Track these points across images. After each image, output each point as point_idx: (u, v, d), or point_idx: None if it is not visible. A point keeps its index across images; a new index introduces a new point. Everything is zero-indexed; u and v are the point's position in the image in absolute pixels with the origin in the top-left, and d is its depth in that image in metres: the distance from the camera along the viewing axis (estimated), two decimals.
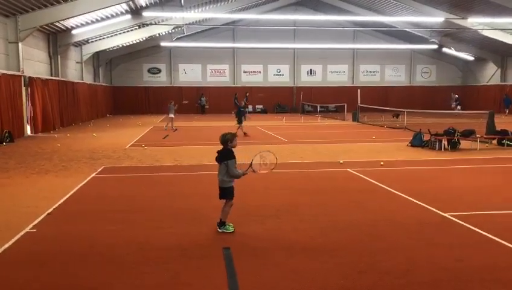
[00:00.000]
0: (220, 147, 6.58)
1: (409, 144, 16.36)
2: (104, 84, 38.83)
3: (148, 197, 8.67)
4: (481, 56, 41.62)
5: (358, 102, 30.46)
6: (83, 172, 11.32)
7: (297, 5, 41.47)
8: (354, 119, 30.15)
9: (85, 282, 4.81)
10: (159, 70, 43.16)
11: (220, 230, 6.39)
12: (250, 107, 39.91)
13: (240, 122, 20.49)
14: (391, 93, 44.42)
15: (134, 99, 42.15)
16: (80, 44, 31.34)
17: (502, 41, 34.32)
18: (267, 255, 5.54)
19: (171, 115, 23.96)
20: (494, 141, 16.69)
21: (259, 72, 44.40)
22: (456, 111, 32.33)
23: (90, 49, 32.82)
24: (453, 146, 15.15)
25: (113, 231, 6.52)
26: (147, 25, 31.91)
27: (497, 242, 5.95)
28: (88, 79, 34.22)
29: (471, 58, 43.63)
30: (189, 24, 34.98)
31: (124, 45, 36.30)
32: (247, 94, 39.80)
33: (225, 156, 6.39)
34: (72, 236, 6.34)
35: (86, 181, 10.16)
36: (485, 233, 6.28)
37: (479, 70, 44.43)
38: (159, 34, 36.91)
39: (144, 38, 36.46)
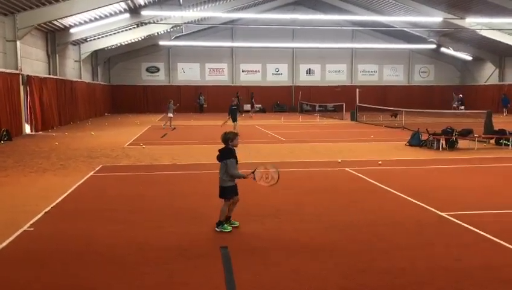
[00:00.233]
0: (222, 145, 6.56)
1: (407, 144, 16.38)
2: (102, 83, 38.78)
3: (146, 196, 8.66)
4: (479, 56, 41.68)
5: (357, 101, 30.47)
6: (81, 171, 11.31)
7: (295, 4, 41.44)
8: (352, 118, 30.17)
9: (83, 281, 4.80)
10: (158, 69, 43.12)
11: (217, 229, 6.38)
12: (254, 106, 39.85)
13: (234, 120, 20.32)
14: (389, 92, 44.45)
15: (133, 98, 42.07)
16: (78, 43, 31.28)
17: (500, 41, 34.39)
18: (266, 255, 5.54)
19: (170, 114, 23.90)
20: (492, 141, 16.73)
21: (258, 71, 44.38)
22: (459, 111, 32.29)
23: (88, 48, 32.76)
24: (451, 146, 15.18)
25: (111, 230, 6.51)
26: (146, 23, 31.86)
27: (495, 241, 5.96)
28: (86, 78, 34.17)
29: (469, 58, 43.69)
30: (188, 23, 34.94)
31: (123, 43, 36.26)
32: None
33: (225, 155, 6.38)
34: (69, 235, 6.33)
35: (84, 180, 10.15)
36: (482, 233, 6.29)
37: (477, 70, 44.51)
38: (157, 32, 36.84)
39: (143, 37, 36.42)
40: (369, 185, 9.66)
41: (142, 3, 27.39)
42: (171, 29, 37.18)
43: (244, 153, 13.45)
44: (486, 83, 42.65)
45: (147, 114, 38.87)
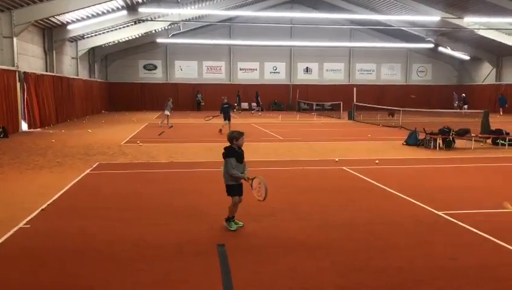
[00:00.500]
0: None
1: (404, 143, 16.40)
2: (99, 80, 38.67)
3: (143, 194, 8.65)
4: (477, 55, 41.78)
5: (354, 100, 30.49)
6: (77, 168, 11.28)
7: (293, 2, 41.43)
8: (350, 117, 30.19)
9: (80, 279, 4.79)
10: (155, 67, 43.03)
11: (224, 224, 6.41)
12: (260, 105, 39.55)
13: (226, 119, 20.19)
14: (387, 91, 44.50)
15: (130, 96, 41.98)
16: (75, 39, 31.17)
17: (497, 41, 34.46)
18: (263, 253, 5.54)
19: (167, 112, 23.80)
20: (489, 141, 16.76)
21: (256, 69, 44.35)
22: (463, 110, 32.27)
23: (85, 45, 32.65)
24: (448, 145, 15.21)
25: (108, 228, 6.49)
26: (143, 21, 31.77)
27: (491, 241, 5.97)
28: (83, 75, 34.07)
29: (467, 57, 43.79)
30: (186, 21, 34.86)
31: (120, 40, 36.13)
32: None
33: (226, 153, 6.38)
34: (66, 232, 6.31)
35: (80, 177, 10.12)
36: (479, 232, 6.30)
37: (474, 70, 44.61)
38: (155, 30, 36.78)
39: (140, 35, 36.33)
40: (366, 184, 9.67)
41: (140, 1, 27.30)
42: (169, 27, 37.10)
43: None
44: (483, 83, 42.75)
45: (144, 112, 38.80)
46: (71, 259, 5.34)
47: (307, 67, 45.01)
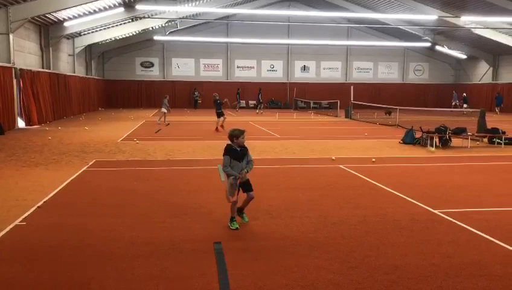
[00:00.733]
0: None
1: (401, 141, 16.43)
2: (96, 77, 38.57)
3: (139, 191, 8.64)
4: (473, 55, 41.88)
5: (351, 99, 30.53)
6: (73, 165, 11.26)
7: (291, 0, 41.42)
8: (347, 116, 30.23)
9: (76, 276, 4.79)
10: (152, 64, 42.94)
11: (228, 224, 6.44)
12: (262, 103, 39.15)
13: (219, 116, 20.19)
14: (384, 90, 44.58)
15: (127, 93, 41.92)
16: (72, 36, 31.07)
17: (494, 40, 34.56)
18: (258, 250, 5.56)
19: (164, 110, 23.76)
20: (485, 139, 16.82)
21: (253, 67, 44.33)
22: (464, 109, 32.34)
23: (82, 42, 32.56)
24: (445, 144, 15.25)
25: (104, 225, 6.49)
26: (140, 18, 31.70)
27: (486, 239, 6.01)
28: (80, 72, 33.97)
29: (464, 56, 43.89)
30: (183, 18, 34.81)
31: (117, 38, 36.06)
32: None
33: (224, 151, 6.41)
34: (62, 229, 6.30)
35: (76, 175, 10.10)
36: (474, 230, 6.34)
37: (471, 69, 44.73)
38: (152, 27, 36.68)
39: (137, 32, 36.23)
40: (362, 182, 9.69)
41: None
42: (166, 24, 37.00)
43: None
44: (480, 82, 42.87)
45: (140, 109, 38.74)
46: (67, 256, 5.34)
47: (304, 66, 45.01)
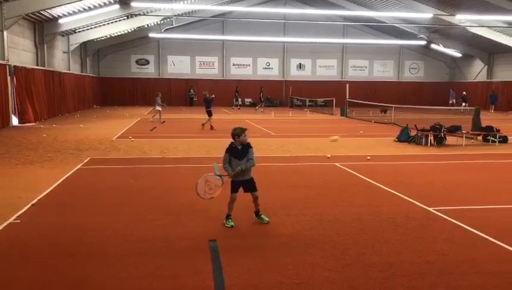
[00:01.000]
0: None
1: (396, 139, 16.47)
2: (91, 74, 38.41)
3: (134, 189, 8.62)
4: (468, 53, 42.04)
5: (347, 97, 30.57)
6: (68, 163, 11.21)
7: None
8: (342, 114, 30.28)
9: (70, 274, 4.78)
10: (147, 62, 42.81)
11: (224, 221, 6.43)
12: (263, 102, 38.95)
13: (209, 114, 20.19)
14: (379, 88, 44.66)
15: (122, 91, 41.77)
16: (67, 34, 30.90)
17: (489, 39, 34.70)
18: (254, 248, 5.56)
19: (158, 108, 23.72)
20: (480, 137, 16.89)
21: (249, 65, 44.29)
22: (461, 108, 32.40)
23: (77, 39, 32.40)
24: (439, 142, 15.30)
25: (99, 223, 6.47)
26: (135, 15, 31.57)
27: (480, 236, 6.04)
28: (75, 69, 33.82)
29: (459, 54, 44.05)
30: (178, 15, 34.70)
31: (112, 35, 35.91)
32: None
33: (226, 149, 6.45)
34: (56, 227, 6.28)
35: (71, 172, 10.06)
36: (468, 228, 6.37)
37: (466, 67, 44.89)
38: (147, 25, 36.55)
39: (132, 29, 36.12)
40: (357, 180, 9.71)
41: None
42: (161, 22, 36.91)
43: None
44: (475, 80, 43.04)
45: (136, 107, 38.63)
46: (62, 254, 5.32)
47: (300, 64, 45.02)
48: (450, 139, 15.82)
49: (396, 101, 30.75)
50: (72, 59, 32.60)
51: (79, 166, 10.85)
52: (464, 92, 39.36)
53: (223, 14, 39.90)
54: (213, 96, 20.80)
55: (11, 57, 21.00)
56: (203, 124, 19.99)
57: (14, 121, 21.44)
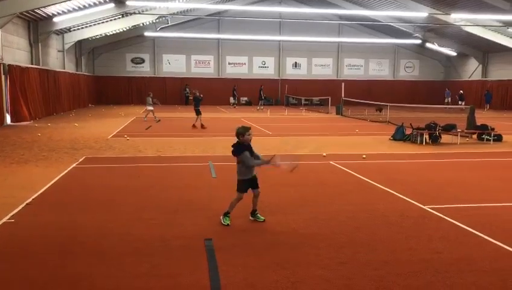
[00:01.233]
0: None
1: (391, 138, 16.52)
2: (86, 73, 38.25)
3: (129, 187, 8.60)
4: (463, 52, 42.21)
5: (342, 95, 30.62)
6: (63, 162, 11.17)
7: None
8: (338, 112, 30.32)
9: (65, 273, 4.76)
10: (143, 61, 42.70)
11: (220, 218, 6.40)
12: (263, 100, 38.84)
13: (198, 113, 20.20)
14: (375, 87, 44.75)
15: (117, 90, 41.65)
16: (61, 32, 30.77)
17: (483, 38, 34.85)
18: (249, 247, 5.56)
19: (149, 107, 23.71)
20: (474, 136, 16.97)
21: (244, 64, 44.26)
22: (462, 106, 32.49)
23: (72, 38, 32.25)
24: (434, 140, 15.36)
25: (94, 222, 6.45)
26: (131, 14, 31.48)
27: (475, 234, 6.06)
28: (70, 68, 33.68)
29: (454, 53, 44.21)
30: (174, 14, 34.62)
31: (107, 34, 35.76)
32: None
33: (237, 150, 6.35)
34: (51, 227, 6.25)
35: (66, 171, 10.03)
36: (463, 226, 6.39)
37: (461, 66, 45.06)
38: (142, 23, 36.47)
39: (128, 28, 35.99)
40: (353, 178, 9.73)
41: None
42: (157, 20, 36.80)
43: (229, 145, 13.44)
44: (470, 79, 43.21)
45: (131, 106, 38.52)
46: (56, 253, 5.30)
47: (296, 62, 45.04)
48: (445, 138, 15.88)
49: (392, 100, 30.80)
50: (67, 58, 32.47)
51: (74, 165, 10.81)
52: (461, 91, 39.49)
53: (218, 13, 39.83)
54: (202, 95, 21.05)
55: (5, 56, 20.90)
56: (194, 125, 19.97)
57: (9, 119, 21.32)
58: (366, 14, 36.58)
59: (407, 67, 46.93)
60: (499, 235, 5.96)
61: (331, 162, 11.56)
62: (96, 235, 5.90)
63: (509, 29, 32.78)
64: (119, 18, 32.27)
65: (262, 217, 6.56)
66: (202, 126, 19.77)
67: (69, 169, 10.29)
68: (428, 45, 43.32)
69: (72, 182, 9.15)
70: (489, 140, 16.12)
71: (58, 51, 30.94)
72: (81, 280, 4.59)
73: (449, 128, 16.08)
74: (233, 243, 5.68)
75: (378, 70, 46.46)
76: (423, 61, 46.81)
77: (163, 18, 36.67)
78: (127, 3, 26.63)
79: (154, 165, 11.10)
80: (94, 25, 32.16)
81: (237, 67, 44.10)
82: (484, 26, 33.15)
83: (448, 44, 41.68)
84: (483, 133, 16.55)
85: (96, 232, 6.02)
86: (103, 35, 35.68)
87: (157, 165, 11.11)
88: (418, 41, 42.46)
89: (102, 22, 32.12)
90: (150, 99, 23.65)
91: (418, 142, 15.38)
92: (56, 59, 30.42)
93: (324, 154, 12.67)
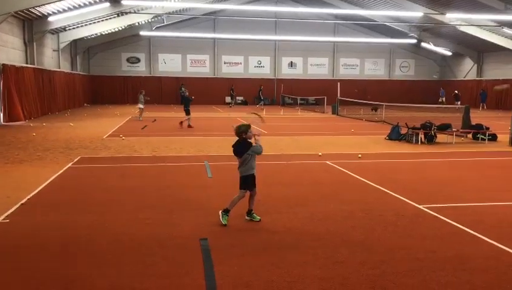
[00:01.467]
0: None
1: (387, 137, 16.56)
2: (81, 73, 38.12)
3: (125, 188, 8.58)
4: (458, 51, 42.38)
5: (338, 95, 30.67)
6: (58, 162, 11.13)
7: None
8: (334, 112, 30.37)
9: (60, 273, 4.74)
10: (138, 60, 42.60)
11: (219, 213, 6.38)
12: (262, 100, 38.90)
13: (187, 112, 20.22)
14: (370, 86, 44.84)
15: (113, 89, 41.53)
16: (56, 31, 30.63)
17: (478, 37, 35.00)
18: (245, 247, 5.56)
19: (140, 106, 23.67)
20: (469, 135, 17.04)
21: (240, 63, 44.25)
22: (455, 106, 32.56)
23: (67, 37, 32.13)
24: (430, 140, 15.40)
25: (90, 222, 6.43)
26: (126, 13, 31.39)
27: (469, 233, 6.09)
28: (65, 67, 33.54)
29: (449, 53, 44.36)
30: (169, 13, 34.58)
31: (103, 33, 35.66)
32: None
33: (245, 148, 6.40)
34: (46, 227, 6.23)
35: (61, 171, 9.99)
36: (457, 224, 6.42)
37: (456, 65, 45.23)
38: (138, 23, 36.39)
39: (123, 27, 35.89)
40: (348, 178, 9.75)
41: None
42: (152, 20, 36.73)
43: (224, 145, 13.43)
44: (465, 78, 43.38)
45: (127, 105, 38.40)
46: (51, 253, 5.28)
47: (292, 62, 45.07)
48: (441, 137, 15.94)
49: (387, 99, 30.88)
50: (62, 57, 32.34)
51: (69, 165, 10.77)
52: (456, 91, 39.63)
53: (214, 12, 39.79)
54: (193, 97, 21.38)
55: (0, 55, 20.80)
56: (189, 125, 19.95)
57: (2, 119, 21.20)
58: (362, 13, 36.65)
59: (402, 66, 47.06)
60: (493, 234, 5.99)
61: (326, 161, 11.58)
62: (92, 235, 5.88)
63: (503, 29, 32.93)
64: (114, 17, 32.18)
65: (258, 217, 6.56)
66: (186, 126, 19.79)
67: (64, 169, 10.26)
68: (423, 44, 43.46)
69: (67, 182, 9.11)
70: (484, 139, 16.19)
71: (53, 50, 30.81)
72: (76, 280, 4.58)
73: (444, 128, 16.14)
74: (229, 243, 5.68)
75: (374, 69, 46.56)
76: (418, 60, 46.95)
77: (159, 17, 36.61)
78: (123, 2, 26.58)
79: (150, 165, 11.07)
80: (89, 24, 32.04)
81: (233, 66, 44.07)
82: (479, 26, 33.29)
83: (443, 44, 41.82)
84: (478, 132, 16.62)
85: (91, 233, 6.00)
86: (98, 34, 35.56)
87: (153, 165, 11.09)
88: (414, 41, 42.60)
89: (98, 21, 32.00)
90: (142, 97, 23.64)
91: (414, 141, 15.42)
92: (51, 58, 30.29)
93: (320, 153, 12.69)
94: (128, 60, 42.40)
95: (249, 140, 6.50)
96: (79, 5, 26.28)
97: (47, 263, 5.02)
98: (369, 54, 45.78)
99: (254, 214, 6.57)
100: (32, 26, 25.77)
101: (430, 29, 39.04)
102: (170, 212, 6.97)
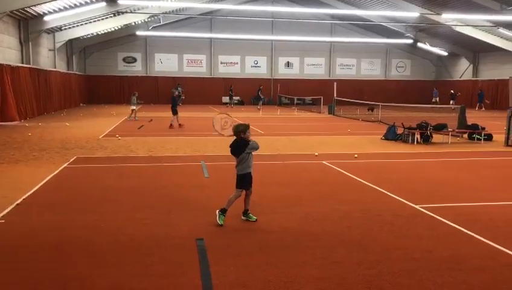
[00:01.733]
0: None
1: (383, 138, 16.59)
2: (77, 72, 38.00)
3: (121, 188, 8.56)
4: (454, 52, 42.51)
5: (335, 95, 30.70)
6: (54, 162, 11.09)
7: None
8: (330, 112, 30.40)
9: (57, 274, 4.73)
10: (135, 60, 42.51)
11: (216, 213, 6.37)
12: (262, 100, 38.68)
13: (174, 112, 20.19)
14: (366, 86, 44.91)
15: (109, 89, 41.42)
16: (52, 31, 30.53)
17: (474, 38, 35.12)
18: (241, 247, 5.56)
19: (133, 107, 23.66)
20: (465, 135, 17.09)
21: (237, 63, 44.23)
22: (451, 105, 32.62)
23: (63, 37, 32.03)
24: (426, 140, 15.44)
25: (86, 222, 6.41)
26: (122, 13, 31.31)
27: (465, 233, 6.11)
28: (61, 67, 33.43)
29: (445, 53, 44.49)
30: (166, 13, 34.51)
31: (99, 33, 35.54)
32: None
33: (243, 146, 6.43)
34: (42, 227, 6.21)
35: (57, 171, 9.96)
36: (453, 224, 6.44)
37: (452, 66, 45.37)
38: (134, 22, 36.30)
39: (119, 27, 35.81)
40: (345, 178, 9.77)
41: None
42: (149, 19, 36.66)
43: (221, 145, 13.42)
44: (460, 79, 43.52)
45: (123, 105, 38.27)
46: (48, 254, 5.26)
47: (288, 62, 45.09)
48: (436, 137, 15.98)
49: (383, 100, 30.93)
50: (58, 57, 32.22)
51: (65, 165, 10.74)
52: (452, 90, 39.73)
53: (210, 12, 39.74)
54: (184, 97, 21.48)
55: None
56: (179, 124, 19.96)
57: None
58: (358, 13, 36.71)
59: (398, 66, 47.17)
60: (490, 234, 6.02)
61: (323, 161, 11.59)
62: (88, 236, 5.87)
63: (499, 30, 33.05)
64: (110, 17, 32.10)
65: (254, 217, 6.56)
66: (177, 126, 19.78)
67: (60, 169, 10.22)
68: (419, 44, 43.56)
69: (63, 182, 9.08)
70: (480, 139, 16.25)
71: (49, 50, 30.69)
72: (73, 280, 4.56)
73: (440, 128, 16.19)
74: (225, 243, 5.67)
75: (370, 69, 46.64)
76: (415, 61, 47.08)
77: (155, 17, 36.54)
78: (119, 2, 26.49)
79: (146, 165, 11.05)
80: (85, 23, 31.94)
81: (229, 66, 44.05)
82: (475, 26, 33.41)
83: (439, 44, 41.95)
84: (473, 132, 16.68)
85: (88, 233, 5.98)
86: (95, 34, 35.44)
87: (149, 165, 11.07)
88: (410, 41, 42.69)
89: (94, 21, 31.91)
90: (135, 98, 23.69)
91: (410, 141, 15.46)
92: (47, 58, 30.18)
93: (316, 153, 12.70)
94: (124, 59, 42.30)
95: (247, 139, 6.48)
96: (75, 5, 26.20)
97: (45, 263, 5.00)
98: (365, 54, 45.85)
99: (250, 214, 6.57)
100: (28, 25, 25.67)
101: (426, 30, 39.14)
102: (168, 212, 6.96)
